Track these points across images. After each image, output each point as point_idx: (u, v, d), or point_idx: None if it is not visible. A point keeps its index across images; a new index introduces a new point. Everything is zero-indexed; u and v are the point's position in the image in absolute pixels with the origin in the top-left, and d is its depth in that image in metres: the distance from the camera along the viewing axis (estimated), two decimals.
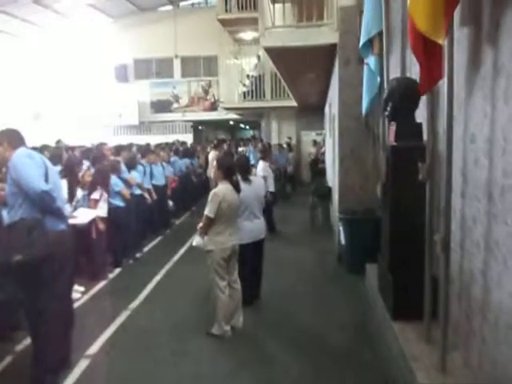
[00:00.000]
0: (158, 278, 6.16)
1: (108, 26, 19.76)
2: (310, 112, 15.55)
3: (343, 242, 6.22)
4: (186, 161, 11.49)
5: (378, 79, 5.29)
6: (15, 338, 4.21)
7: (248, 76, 15.68)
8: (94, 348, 4.12)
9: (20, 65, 18.79)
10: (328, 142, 10.92)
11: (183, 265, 6.80)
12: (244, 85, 15.75)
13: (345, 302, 5.18)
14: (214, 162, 4.42)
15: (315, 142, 15.45)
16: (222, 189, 4.23)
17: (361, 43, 5.42)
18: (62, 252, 3.47)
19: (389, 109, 3.99)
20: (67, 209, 3.67)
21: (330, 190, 9.08)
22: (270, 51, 6.90)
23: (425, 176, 3.16)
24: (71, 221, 3.48)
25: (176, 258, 7.16)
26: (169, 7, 19.86)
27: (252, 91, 15.22)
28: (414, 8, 2.51)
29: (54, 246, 3.31)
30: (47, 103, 19.30)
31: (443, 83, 2.78)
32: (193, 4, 20.18)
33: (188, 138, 18.26)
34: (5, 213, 3.88)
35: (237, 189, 4.34)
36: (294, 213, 10.64)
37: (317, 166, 12.27)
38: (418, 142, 3.70)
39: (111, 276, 6.28)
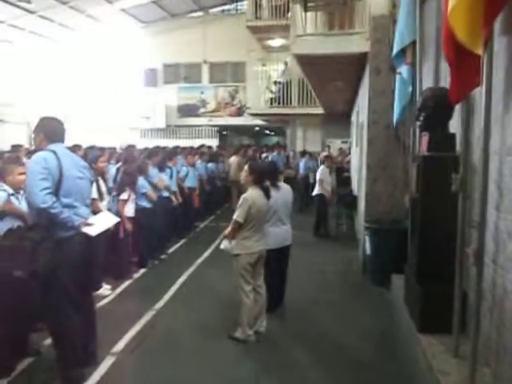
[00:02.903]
0: (182, 279, 6.22)
1: (139, 30, 20.18)
2: (336, 120, 15.43)
3: (368, 251, 6.16)
4: (212, 165, 11.57)
5: (410, 89, 5.25)
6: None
7: (275, 82, 15.73)
8: (119, 346, 4.18)
9: (53, 67, 19.29)
10: (354, 151, 10.83)
11: (207, 267, 6.85)
12: (271, 91, 15.81)
13: (369, 312, 5.12)
14: (246, 167, 4.42)
15: (342, 150, 15.35)
16: (253, 194, 4.25)
17: (394, 52, 5.40)
18: (71, 257, 3.39)
19: (422, 119, 3.97)
20: (86, 211, 3.67)
21: (355, 198, 9.01)
22: (301, 58, 6.92)
23: (458, 187, 3.13)
24: (84, 229, 3.48)
25: (200, 260, 7.22)
26: (199, 13, 20.16)
27: (279, 97, 15.27)
28: (454, 18, 2.49)
29: (61, 253, 3.28)
30: (78, 105, 19.76)
31: (480, 95, 2.75)
32: (223, 10, 20.42)
33: (214, 143, 18.40)
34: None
35: (267, 194, 4.36)
36: None
37: (342, 175, 12.17)
38: (451, 152, 3.66)
39: (136, 276, 6.38)
